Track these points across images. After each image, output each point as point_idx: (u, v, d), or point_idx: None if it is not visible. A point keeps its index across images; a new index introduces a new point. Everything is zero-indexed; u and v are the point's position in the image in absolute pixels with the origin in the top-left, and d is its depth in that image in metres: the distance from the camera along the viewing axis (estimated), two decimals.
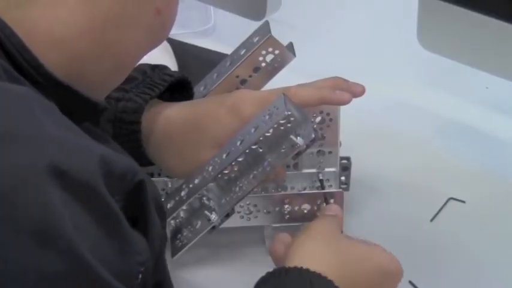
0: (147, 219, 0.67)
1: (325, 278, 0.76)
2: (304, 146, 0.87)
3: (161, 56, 1.19)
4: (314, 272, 0.76)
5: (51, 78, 0.68)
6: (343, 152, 0.97)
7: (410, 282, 0.93)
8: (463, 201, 1.04)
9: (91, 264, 0.58)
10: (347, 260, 0.81)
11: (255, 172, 0.88)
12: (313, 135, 0.87)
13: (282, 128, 0.86)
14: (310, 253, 0.81)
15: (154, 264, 0.68)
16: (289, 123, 0.86)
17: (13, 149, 0.58)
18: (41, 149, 0.59)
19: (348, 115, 0.95)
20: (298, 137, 0.87)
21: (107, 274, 0.59)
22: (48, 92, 0.66)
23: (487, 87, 1.20)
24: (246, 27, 1.04)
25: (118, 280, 0.60)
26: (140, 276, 0.64)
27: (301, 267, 0.77)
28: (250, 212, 0.95)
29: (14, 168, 0.58)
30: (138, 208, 0.66)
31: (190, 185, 0.89)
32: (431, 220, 1.02)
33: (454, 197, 1.04)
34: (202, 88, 1.00)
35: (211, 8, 1.34)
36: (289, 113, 0.86)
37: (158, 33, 0.78)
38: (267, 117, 0.87)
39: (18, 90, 0.63)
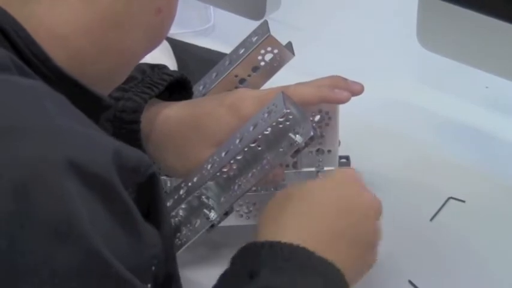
0: (159, 211, 0.67)
1: (297, 246, 0.77)
2: (303, 144, 0.87)
3: (161, 55, 1.19)
4: (285, 243, 0.77)
5: (59, 72, 0.68)
6: (342, 151, 0.97)
7: (409, 281, 0.93)
8: (463, 201, 1.04)
9: (106, 258, 0.58)
10: (318, 216, 0.82)
11: (253, 170, 0.88)
12: (311, 133, 0.86)
13: (280, 126, 0.86)
14: (271, 227, 0.81)
15: (166, 255, 0.67)
16: (287, 121, 0.86)
17: (27, 141, 0.58)
18: (56, 141, 0.59)
19: (347, 114, 0.95)
20: (297, 135, 0.87)
21: (122, 268, 0.59)
22: (55, 87, 0.66)
23: (487, 87, 1.20)
24: (246, 27, 1.03)
25: (132, 273, 0.60)
26: (153, 268, 0.64)
27: (272, 241, 0.77)
28: (250, 211, 0.95)
29: (29, 160, 0.57)
30: (150, 200, 0.66)
31: (189, 184, 0.89)
32: (431, 219, 1.02)
33: (454, 196, 1.04)
34: (201, 87, 1.01)
35: (211, 7, 1.34)
36: (288, 110, 0.85)
37: (157, 33, 0.79)
38: (266, 115, 0.87)
39: (30, 84, 0.63)
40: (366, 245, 0.84)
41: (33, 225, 0.56)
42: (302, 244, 0.77)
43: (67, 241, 0.57)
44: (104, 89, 0.76)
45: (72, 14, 0.70)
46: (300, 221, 0.81)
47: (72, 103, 0.65)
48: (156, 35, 0.79)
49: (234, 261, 0.79)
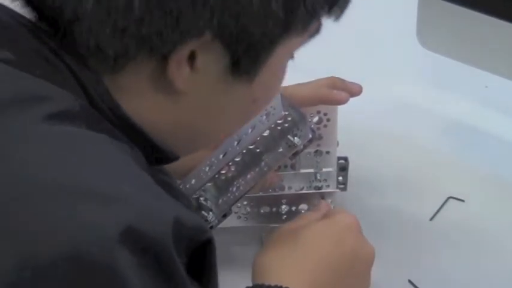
0: (210, 279, 0.66)
1: None
2: (302, 146, 0.87)
3: None
4: None
5: (127, 121, 0.68)
6: (340, 151, 0.97)
7: (409, 281, 0.93)
8: (463, 200, 1.04)
9: None
10: (320, 263, 0.82)
11: (252, 172, 0.88)
12: (310, 135, 0.87)
13: (279, 128, 0.86)
14: (279, 266, 0.82)
15: None
16: (286, 123, 0.86)
17: (87, 207, 0.57)
18: (117, 209, 0.57)
19: (346, 115, 0.95)
20: (296, 137, 0.87)
21: None
22: (121, 134, 0.65)
23: (486, 86, 1.20)
24: None
25: None
26: None
27: (281, 287, 0.77)
28: (248, 212, 0.95)
29: (87, 227, 0.56)
30: (202, 266, 0.64)
31: (187, 185, 0.89)
32: (431, 219, 1.02)
33: (454, 195, 1.04)
34: None
35: None
36: (287, 113, 0.86)
37: (248, 118, 0.80)
38: (264, 117, 0.87)
39: (95, 138, 0.62)
40: None
41: None
42: None
43: None
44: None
45: (160, 110, 0.69)
46: (299, 266, 0.82)
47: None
48: (246, 119, 0.80)
49: None
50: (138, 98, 0.68)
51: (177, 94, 0.68)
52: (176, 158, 0.74)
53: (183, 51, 0.66)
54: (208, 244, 0.63)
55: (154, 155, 0.70)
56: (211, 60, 0.67)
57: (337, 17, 0.74)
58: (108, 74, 0.67)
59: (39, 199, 0.56)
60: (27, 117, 0.60)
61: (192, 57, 0.66)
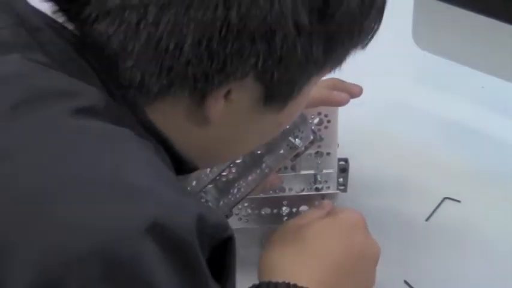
0: (228, 277, 0.66)
1: None
2: (303, 148, 0.87)
3: None
4: (295, 285, 0.78)
5: (153, 129, 0.68)
6: (340, 153, 0.97)
7: (405, 281, 0.93)
8: (458, 201, 1.04)
9: None
10: (327, 260, 0.83)
11: (253, 174, 0.88)
12: (311, 137, 0.87)
13: None
14: (286, 264, 0.82)
15: None
16: None
17: (114, 201, 0.57)
18: (143, 204, 0.58)
19: (346, 116, 0.95)
20: (297, 139, 0.87)
21: None
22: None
23: (482, 87, 1.20)
24: None
25: None
26: None
27: (289, 283, 0.78)
28: (249, 214, 0.95)
29: (113, 222, 0.56)
30: (221, 263, 0.65)
31: (188, 187, 0.89)
32: (427, 219, 1.02)
33: (449, 196, 1.04)
34: None
35: None
36: None
37: (269, 139, 0.82)
38: None
39: (119, 134, 0.62)
40: None
41: None
42: (306, 285, 0.78)
43: None
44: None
45: (187, 133, 0.70)
46: (306, 263, 0.82)
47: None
48: (267, 140, 0.82)
49: None
50: (167, 121, 0.69)
51: (208, 123, 0.70)
52: (195, 169, 0.75)
53: (223, 90, 0.67)
54: (229, 241, 0.64)
55: (174, 164, 0.70)
56: (246, 94, 0.69)
57: (364, 46, 0.76)
58: (145, 103, 0.68)
59: (64, 195, 0.56)
60: (55, 111, 0.60)
61: (228, 91, 0.68)
